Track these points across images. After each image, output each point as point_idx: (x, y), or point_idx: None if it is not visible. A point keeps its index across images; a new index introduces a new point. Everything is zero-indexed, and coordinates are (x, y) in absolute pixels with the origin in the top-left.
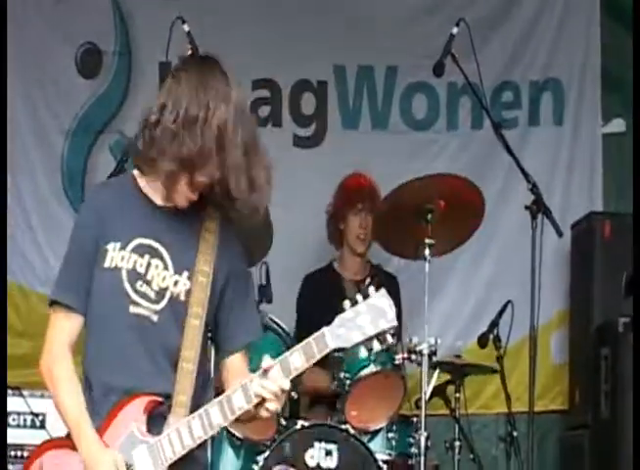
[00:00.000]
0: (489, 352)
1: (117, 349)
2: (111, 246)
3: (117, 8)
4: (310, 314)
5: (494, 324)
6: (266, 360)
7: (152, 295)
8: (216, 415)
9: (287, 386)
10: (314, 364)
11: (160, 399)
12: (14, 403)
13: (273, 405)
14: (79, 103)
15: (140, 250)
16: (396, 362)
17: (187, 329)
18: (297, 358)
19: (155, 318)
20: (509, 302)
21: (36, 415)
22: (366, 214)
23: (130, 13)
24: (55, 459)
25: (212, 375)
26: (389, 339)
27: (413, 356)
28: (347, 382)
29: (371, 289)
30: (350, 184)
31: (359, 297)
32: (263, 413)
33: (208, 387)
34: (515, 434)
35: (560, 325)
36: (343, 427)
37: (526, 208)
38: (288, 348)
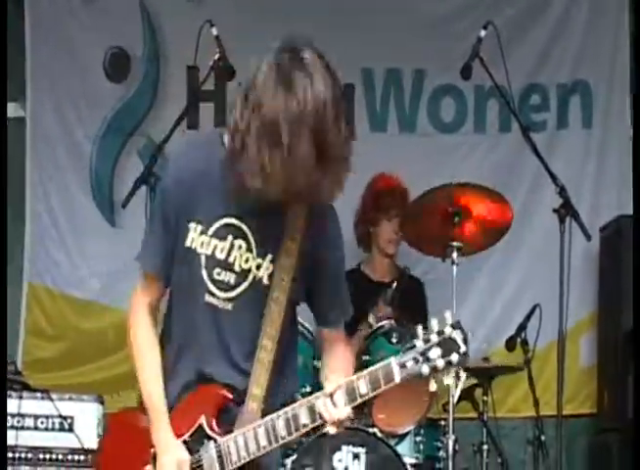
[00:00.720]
0: (517, 356)
1: (191, 335)
2: (192, 225)
3: (145, 11)
4: None
5: (522, 327)
6: (331, 380)
7: (231, 279)
8: (282, 428)
9: (349, 415)
10: None
11: (230, 394)
12: (42, 407)
13: (332, 429)
14: (107, 107)
15: (223, 232)
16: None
17: (267, 316)
18: (364, 386)
19: (229, 306)
20: (537, 305)
21: (65, 418)
22: (395, 217)
23: (158, 16)
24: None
25: (297, 365)
26: (463, 375)
27: None
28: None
29: (447, 315)
30: (382, 188)
31: (434, 322)
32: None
33: (289, 377)
34: (543, 438)
35: (588, 328)
36: (371, 430)
37: (555, 211)
38: (315, 349)
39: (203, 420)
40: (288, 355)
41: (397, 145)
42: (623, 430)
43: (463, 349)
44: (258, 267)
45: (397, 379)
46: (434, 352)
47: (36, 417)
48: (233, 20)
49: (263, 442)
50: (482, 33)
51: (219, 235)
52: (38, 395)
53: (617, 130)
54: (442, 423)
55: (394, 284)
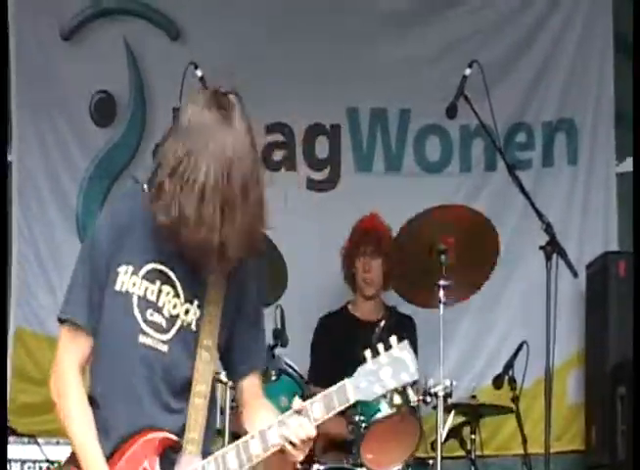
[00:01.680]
0: (505, 394)
1: (124, 381)
2: (122, 269)
3: (131, 54)
4: (324, 357)
5: (509, 365)
6: (294, 402)
7: (163, 323)
8: (233, 461)
9: (306, 435)
10: None
11: (173, 437)
12: (29, 451)
13: (294, 455)
14: (94, 150)
15: (151, 276)
16: (412, 404)
17: (198, 362)
18: (318, 409)
19: (164, 349)
20: (524, 342)
21: (52, 463)
22: (371, 257)
23: (143, 59)
24: None
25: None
26: (412, 395)
27: (428, 398)
28: (363, 425)
29: (393, 339)
30: (359, 227)
31: (381, 347)
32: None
33: (214, 419)
34: None
35: (576, 365)
36: None
37: (541, 248)
38: (303, 392)
39: (146, 464)
40: (214, 399)
41: (383, 185)
42: (612, 466)
43: (412, 368)
44: (186, 313)
45: (352, 399)
46: (385, 373)
47: (23, 462)
48: (218, 60)
49: None
50: (467, 72)
51: (149, 278)
52: (25, 439)
53: (602, 167)
54: (430, 462)
55: (382, 323)
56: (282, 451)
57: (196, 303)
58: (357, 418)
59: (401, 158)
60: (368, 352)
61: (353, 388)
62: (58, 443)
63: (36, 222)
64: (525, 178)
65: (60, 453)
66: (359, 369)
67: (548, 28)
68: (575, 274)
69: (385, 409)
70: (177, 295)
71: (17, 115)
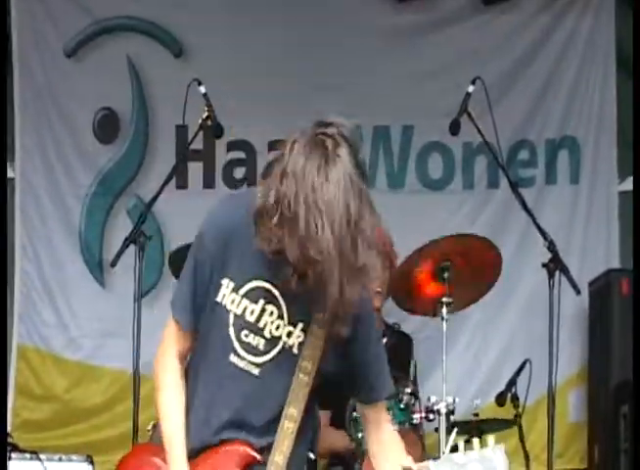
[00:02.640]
0: (507, 412)
1: (208, 394)
2: (225, 281)
3: (134, 71)
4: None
5: (512, 383)
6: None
7: (260, 345)
8: None
9: None
10: (331, 424)
11: (256, 455)
12: (31, 468)
13: None
14: (97, 167)
15: (254, 294)
16: (414, 422)
17: (294, 385)
18: None
19: (256, 372)
20: (527, 360)
21: None
22: (383, 271)
23: (146, 75)
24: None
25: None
26: (453, 431)
27: (431, 416)
28: (365, 442)
29: (490, 438)
30: None
31: (476, 442)
32: None
33: (306, 445)
34: None
35: (578, 383)
36: None
37: (544, 265)
38: None
39: None
40: (308, 426)
41: (386, 202)
42: None
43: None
44: (289, 335)
45: None
46: (473, 468)
47: None
48: (222, 77)
49: None
50: (471, 89)
51: (250, 297)
52: (27, 455)
53: (604, 185)
54: None
55: (384, 340)
56: None
57: (300, 325)
58: (360, 435)
59: (404, 175)
60: (461, 443)
61: None
62: (60, 459)
63: (39, 239)
64: (527, 196)
65: (62, 469)
66: (446, 456)
67: (551, 46)
68: (578, 292)
69: None
70: (281, 316)
71: (20, 131)
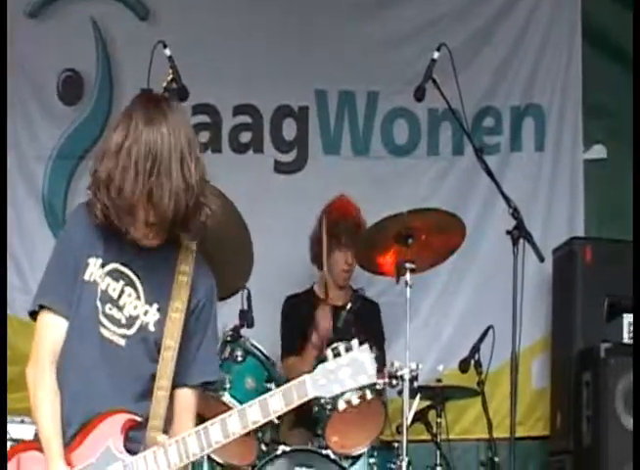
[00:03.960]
0: (470, 378)
1: (85, 368)
2: (92, 260)
3: (98, 33)
4: (294, 335)
5: (475, 349)
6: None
7: (122, 320)
8: (194, 445)
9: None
10: None
11: (137, 418)
12: None
13: None
14: (61, 129)
15: (115, 275)
16: (378, 387)
17: (161, 360)
18: (277, 402)
19: (122, 342)
20: (490, 327)
21: (16, 441)
22: (348, 249)
23: (112, 37)
24: (33, 461)
25: None
26: (369, 395)
27: (394, 382)
28: (328, 406)
29: (354, 342)
30: (339, 217)
31: (342, 347)
32: None
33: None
34: (496, 459)
35: (541, 350)
36: (324, 452)
37: (508, 233)
38: (269, 373)
39: (110, 442)
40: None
41: (350, 167)
42: (576, 452)
43: (371, 371)
44: (146, 313)
45: (310, 395)
46: (345, 373)
47: None
48: (186, 40)
49: (174, 458)
50: (436, 55)
51: (113, 276)
52: None
53: (569, 152)
54: (396, 445)
55: (348, 306)
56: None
57: (155, 306)
58: (323, 400)
59: (369, 140)
60: (329, 352)
61: (312, 384)
62: (22, 421)
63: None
64: (492, 163)
65: (24, 432)
66: (320, 367)
67: (516, 13)
68: (542, 259)
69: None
70: (138, 297)
71: None
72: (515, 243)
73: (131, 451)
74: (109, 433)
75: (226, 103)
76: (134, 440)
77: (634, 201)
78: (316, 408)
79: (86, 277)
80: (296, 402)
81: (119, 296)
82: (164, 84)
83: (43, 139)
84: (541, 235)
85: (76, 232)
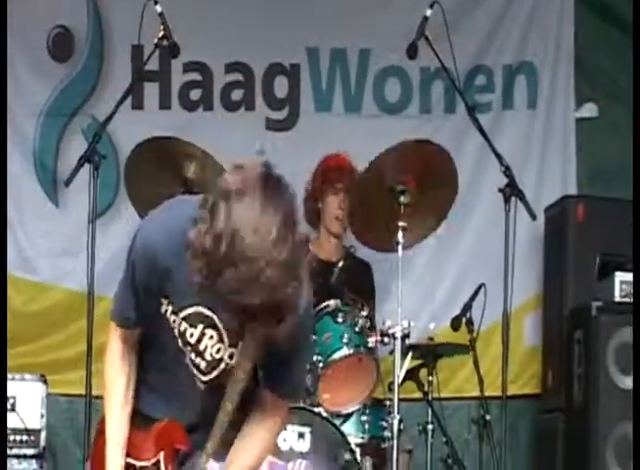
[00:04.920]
0: (462, 336)
1: (164, 382)
2: (164, 301)
3: None
4: None
5: (467, 307)
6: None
7: (201, 365)
8: None
9: None
10: None
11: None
12: None
13: None
14: (51, 86)
15: (193, 319)
16: (369, 345)
17: (230, 384)
18: None
19: (201, 387)
20: (482, 285)
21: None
22: (344, 194)
23: None
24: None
25: None
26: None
27: (386, 339)
28: (320, 365)
29: None
30: (331, 164)
31: None
32: None
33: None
34: (488, 417)
35: (533, 308)
36: (316, 410)
37: (500, 190)
38: None
39: (161, 457)
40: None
41: (342, 125)
42: (567, 410)
43: None
44: (231, 357)
45: None
46: None
47: None
48: None
49: None
50: (428, 12)
51: (190, 321)
52: None
53: (561, 111)
54: (387, 403)
55: (340, 263)
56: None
57: (240, 344)
58: (315, 358)
59: (361, 98)
60: None
61: None
62: (13, 378)
63: None
64: (484, 121)
65: (15, 389)
66: None
67: None
68: (534, 217)
69: (342, 350)
70: (221, 340)
71: None
72: (507, 201)
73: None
74: (163, 443)
75: (218, 61)
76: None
77: (634, 163)
78: (308, 366)
79: (162, 310)
80: None
81: (199, 340)
82: (155, 41)
83: (34, 96)
84: (534, 193)
85: (146, 260)
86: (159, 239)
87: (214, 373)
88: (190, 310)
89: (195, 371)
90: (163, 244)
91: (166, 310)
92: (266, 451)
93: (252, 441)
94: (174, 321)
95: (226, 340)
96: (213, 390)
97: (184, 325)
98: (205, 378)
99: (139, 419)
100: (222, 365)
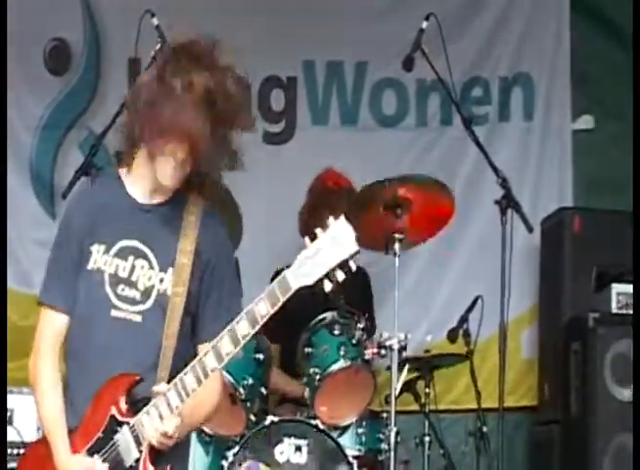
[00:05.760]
0: (459, 348)
1: (99, 352)
2: (95, 248)
3: (86, 1)
4: (283, 309)
5: (464, 319)
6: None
7: (137, 296)
8: (190, 380)
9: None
10: (285, 371)
11: (136, 376)
12: None
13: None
14: (48, 99)
15: (123, 252)
16: (366, 358)
17: (170, 307)
18: (263, 306)
19: (138, 319)
20: (478, 297)
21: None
22: (338, 211)
23: (98, 6)
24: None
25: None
26: (353, 266)
27: (383, 351)
28: (317, 377)
29: (330, 219)
30: (332, 186)
31: (319, 230)
32: None
33: (183, 361)
34: (485, 429)
35: (530, 320)
36: (313, 422)
37: (496, 202)
38: (258, 343)
39: (113, 410)
40: (183, 345)
41: (339, 138)
42: (564, 421)
43: (350, 241)
44: (161, 281)
45: (294, 287)
46: (325, 254)
47: None
48: (174, 10)
49: (175, 401)
50: (424, 25)
51: (120, 255)
52: None
53: (557, 123)
54: (384, 415)
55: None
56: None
57: (170, 270)
58: (312, 371)
59: (357, 111)
60: (307, 240)
61: (294, 276)
62: (10, 391)
63: None
64: (480, 133)
65: (12, 402)
66: (299, 256)
67: None
68: (530, 229)
69: (339, 362)
70: (152, 267)
71: None
72: (503, 213)
73: (138, 409)
74: (110, 400)
75: None
76: (137, 396)
77: (634, 176)
78: (305, 379)
79: (90, 266)
80: (281, 300)
81: (131, 272)
82: (152, 54)
83: (31, 109)
84: (530, 205)
85: (75, 221)
86: (88, 200)
87: (149, 301)
88: (119, 244)
89: (129, 306)
90: (93, 203)
91: (95, 260)
92: (215, 400)
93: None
94: (105, 263)
95: (156, 266)
96: (151, 319)
97: (115, 261)
98: (139, 308)
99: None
100: (154, 292)
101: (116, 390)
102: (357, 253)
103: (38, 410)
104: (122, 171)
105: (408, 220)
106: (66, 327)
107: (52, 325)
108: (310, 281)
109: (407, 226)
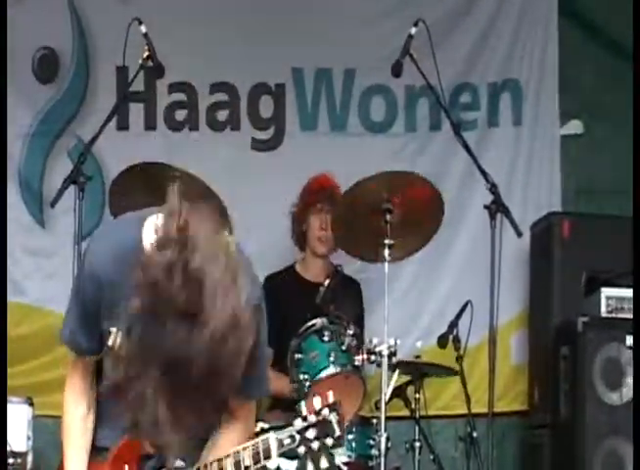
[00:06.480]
0: (449, 353)
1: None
2: (114, 330)
3: (74, 11)
4: (273, 316)
5: (453, 325)
6: None
7: None
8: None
9: None
10: (273, 366)
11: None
12: None
13: None
14: (36, 107)
15: None
16: (356, 364)
17: None
18: (247, 459)
19: None
20: (468, 302)
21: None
22: (326, 215)
23: (86, 15)
24: None
25: None
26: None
27: (373, 357)
28: (307, 383)
29: (329, 394)
30: (312, 185)
31: (317, 401)
32: None
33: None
34: (475, 434)
35: (520, 325)
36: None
37: (485, 207)
38: None
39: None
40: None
41: (328, 144)
42: (554, 426)
43: (338, 433)
44: None
45: (274, 455)
46: (311, 433)
47: None
48: (162, 18)
49: None
50: (413, 30)
51: None
52: None
53: (546, 128)
54: (374, 421)
55: (326, 282)
56: None
57: None
58: (301, 377)
59: (346, 117)
60: (302, 404)
61: (277, 444)
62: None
63: None
64: (469, 138)
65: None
66: (288, 429)
67: None
68: (520, 234)
69: (329, 368)
70: None
71: None
72: (493, 217)
73: None
74: (126, 459)
75: (203, 81)
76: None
77: (634, 181)
78: (295, 385)
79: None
80: (262, 462)
81: None
82: (140, 61)
83: (19, 117)
84: (519, 210)
85: (91, 285)
86: (104, 259)
87: None
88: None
89: None
90: (109, 262)
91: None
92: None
93: (227, 446)
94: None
95: None
96: None
97: None
98: None
99: (94, 452)
100: None
101: (133, 453)
102: (339, 441)
103: (64, 449)
104: None
105: (397, 228)
106: (93, 363)
107: (81, 362)
108: (291, 454)
109: (396, 232)
